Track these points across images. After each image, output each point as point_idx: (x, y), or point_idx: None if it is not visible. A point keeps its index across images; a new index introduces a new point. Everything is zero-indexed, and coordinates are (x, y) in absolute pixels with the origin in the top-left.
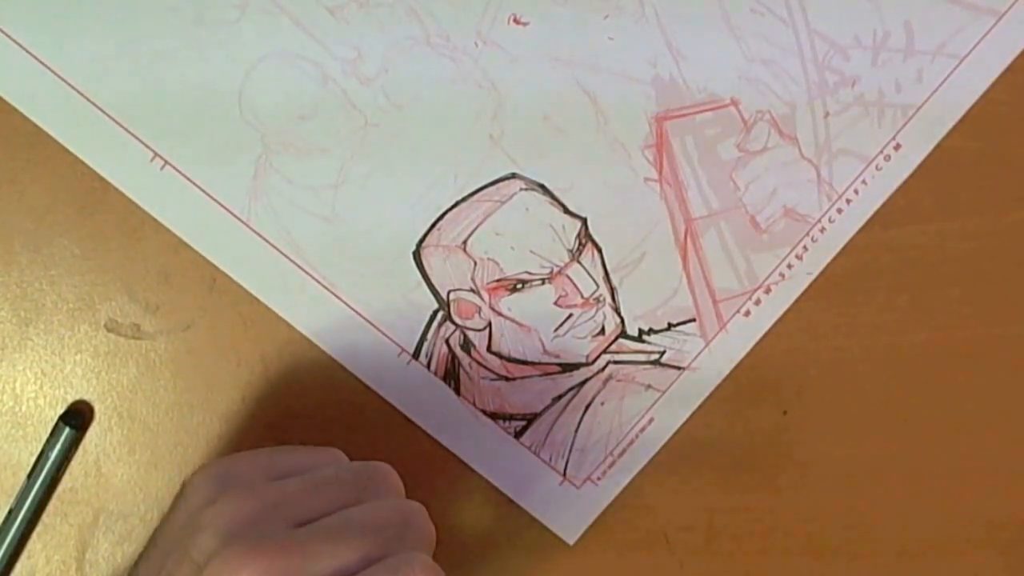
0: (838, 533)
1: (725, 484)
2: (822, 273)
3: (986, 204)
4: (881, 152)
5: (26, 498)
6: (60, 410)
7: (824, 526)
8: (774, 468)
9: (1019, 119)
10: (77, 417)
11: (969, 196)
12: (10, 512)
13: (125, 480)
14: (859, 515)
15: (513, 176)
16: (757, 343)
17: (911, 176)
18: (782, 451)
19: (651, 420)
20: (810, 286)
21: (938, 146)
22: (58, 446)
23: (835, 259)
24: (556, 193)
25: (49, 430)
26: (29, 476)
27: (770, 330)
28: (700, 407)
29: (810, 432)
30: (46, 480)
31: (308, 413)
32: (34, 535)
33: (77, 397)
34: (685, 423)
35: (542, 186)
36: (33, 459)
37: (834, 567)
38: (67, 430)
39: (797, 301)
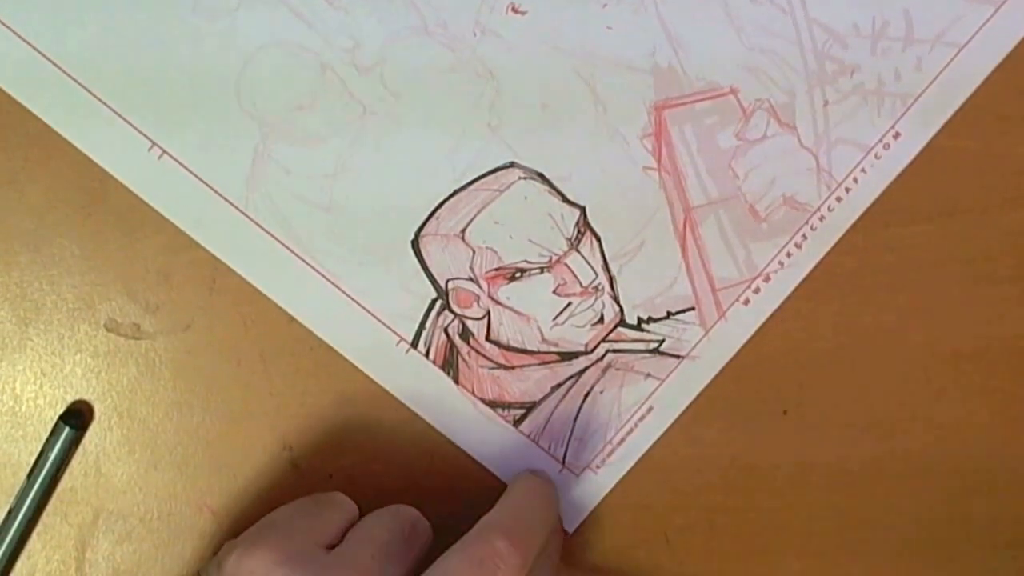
0: (838, 533)
1: (725, 484)
2: (822, 273)
3: (986, 204)
4: (880, 141)
5: (26, 498)
6: (60, 410)
7: (824, 526)
8: (774, 468)
9: (1019, 119)
10: (77, 417)
11: (969, 196)
12: (10, 512)
13: (125, 480)
14: (859, 515)
15: (511, 165)
16: (757, 341)
17: (911, 176)
18: (782, 451)
19: (650, 409)
20: (810, 286)
21: (938, 146)
22: (58, 446)
23: (835, 259)
24: (554, 182)
25: (49, 430)
26: (29, 476)
27: (770, 330)
28: (700, 407)
29: (810, 432)
30: (46, 480)
31: (308, 413)
32: (34, 535)
33: (77, 397)
34: (684, 424)
35: (540, 175)
36: (33, 459)
37: (834, 567)
38: (67, 430)
39: (797, 301)
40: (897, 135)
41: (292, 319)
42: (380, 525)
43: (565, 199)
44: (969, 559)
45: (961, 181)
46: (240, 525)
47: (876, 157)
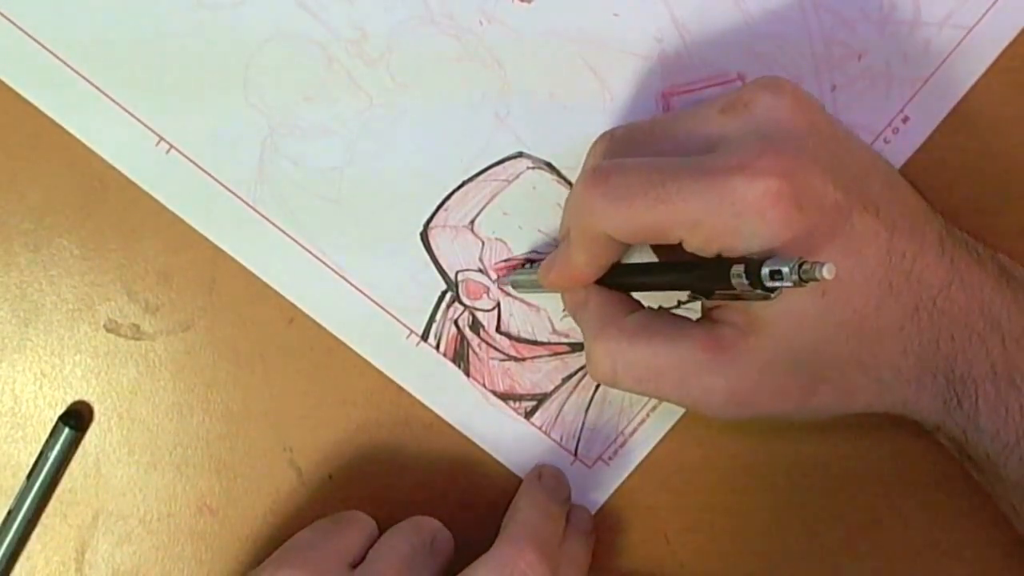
0: (838, 533)
1: (725, 484)
2: None
3: (986, 204)
4: (889, 125)
5: (25, 499)
6: (60, 410)
7: (824, 526)
8: (774, 468)
9: (1019, 119)
10: (77, 418)
11: (969, 196)
12: (9, 513)
13: (124, 481)
14: (859, 515)
15: (520, 155)
16: None
17: (911, 176)
18: (782, 451)
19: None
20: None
21: (938, 146)
22: (57, 447)
23: None
24: (563, 171)
25: (48, 431)
26: (28, 477)
27: None
28: None
29: (809, 432)
30: (45, 481)
31: (308, 413)
32: (33, 535)
33: (77, 398)
34: (685, 424)
35: (549, 164)
36: (32, 460)
37: (834, 568)
38: (66, 431)
39: None
40: (906, 119)
41: (292, 319)
42: (401, 539)
43: None
44: (968, 559)
45: (961, 181)
46: (240, 525)
47: (885, 142)
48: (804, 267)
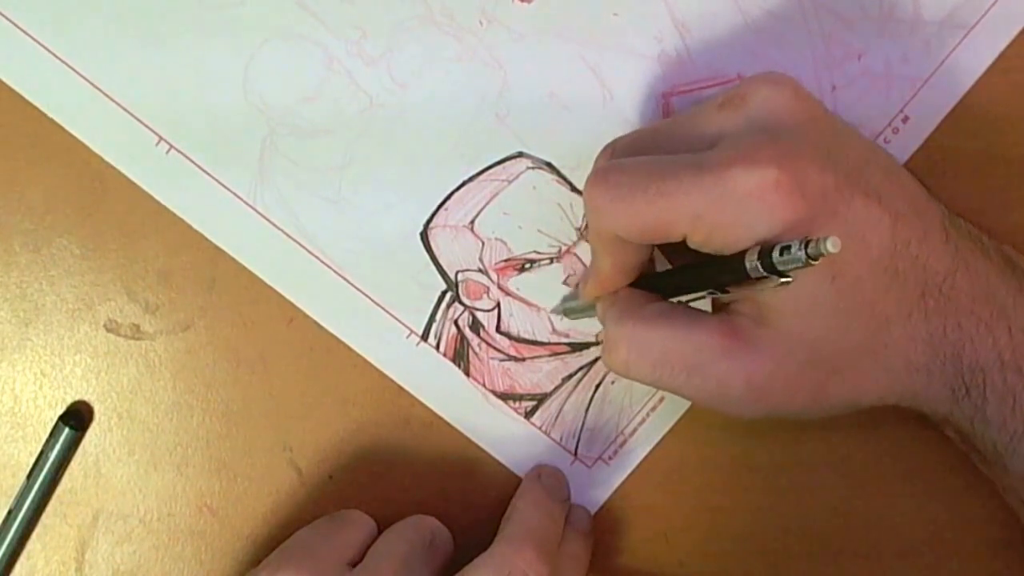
0: (838, 533)
1: (725, 484)
2: None
3: (986, 204)
4: (889, 125)
5: (25, 498)
6: (60, 410)
7: (824, 526)
8: (774, 468)
9: (1019, 119)
10: (77, 418)
11: (969, 196)
12: (9, 512)
13: (125, 481)
14: (859, 515)
15: (520, 155)
16: None
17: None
18: (782, 451)
19: (662, 399)
20: None
21: (938, 146)
22: (57, 446)
23: None
24: (563, 171)
25: (49, 430)
26: (29, 476)
27: None
28: (701, 408)
29: (809, 432)
30: (45, 480)
31: (308, 413)
32: (34, 535)
33: (77, 397)
34: (685, 424)
35: (549, 164)
36: (33, 460)
37: (834, 567)
38: (67, 430)
39: None
40: (906, 119)
41: (292, 319)
42: (400, 538)
43: (574, 188)
44: (969, 559)
45: (961, 181)
46: (240, 525)
47: (885, 141)
48: (810, 244)
